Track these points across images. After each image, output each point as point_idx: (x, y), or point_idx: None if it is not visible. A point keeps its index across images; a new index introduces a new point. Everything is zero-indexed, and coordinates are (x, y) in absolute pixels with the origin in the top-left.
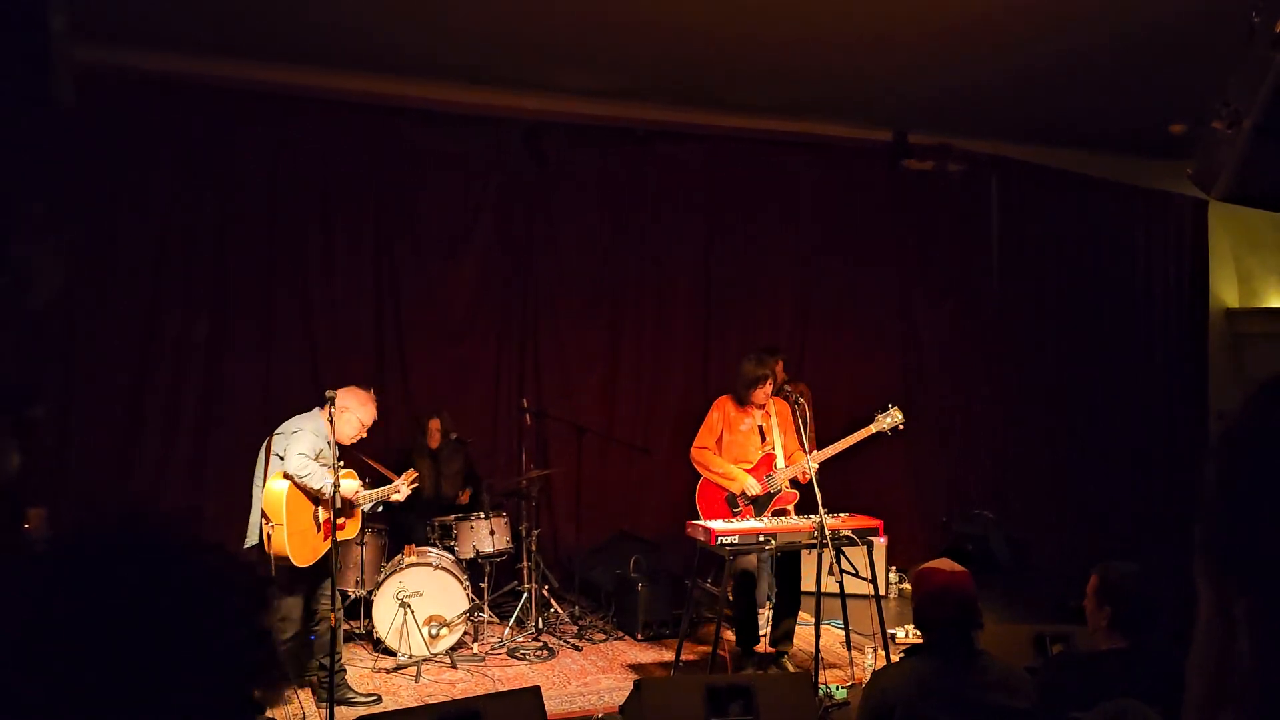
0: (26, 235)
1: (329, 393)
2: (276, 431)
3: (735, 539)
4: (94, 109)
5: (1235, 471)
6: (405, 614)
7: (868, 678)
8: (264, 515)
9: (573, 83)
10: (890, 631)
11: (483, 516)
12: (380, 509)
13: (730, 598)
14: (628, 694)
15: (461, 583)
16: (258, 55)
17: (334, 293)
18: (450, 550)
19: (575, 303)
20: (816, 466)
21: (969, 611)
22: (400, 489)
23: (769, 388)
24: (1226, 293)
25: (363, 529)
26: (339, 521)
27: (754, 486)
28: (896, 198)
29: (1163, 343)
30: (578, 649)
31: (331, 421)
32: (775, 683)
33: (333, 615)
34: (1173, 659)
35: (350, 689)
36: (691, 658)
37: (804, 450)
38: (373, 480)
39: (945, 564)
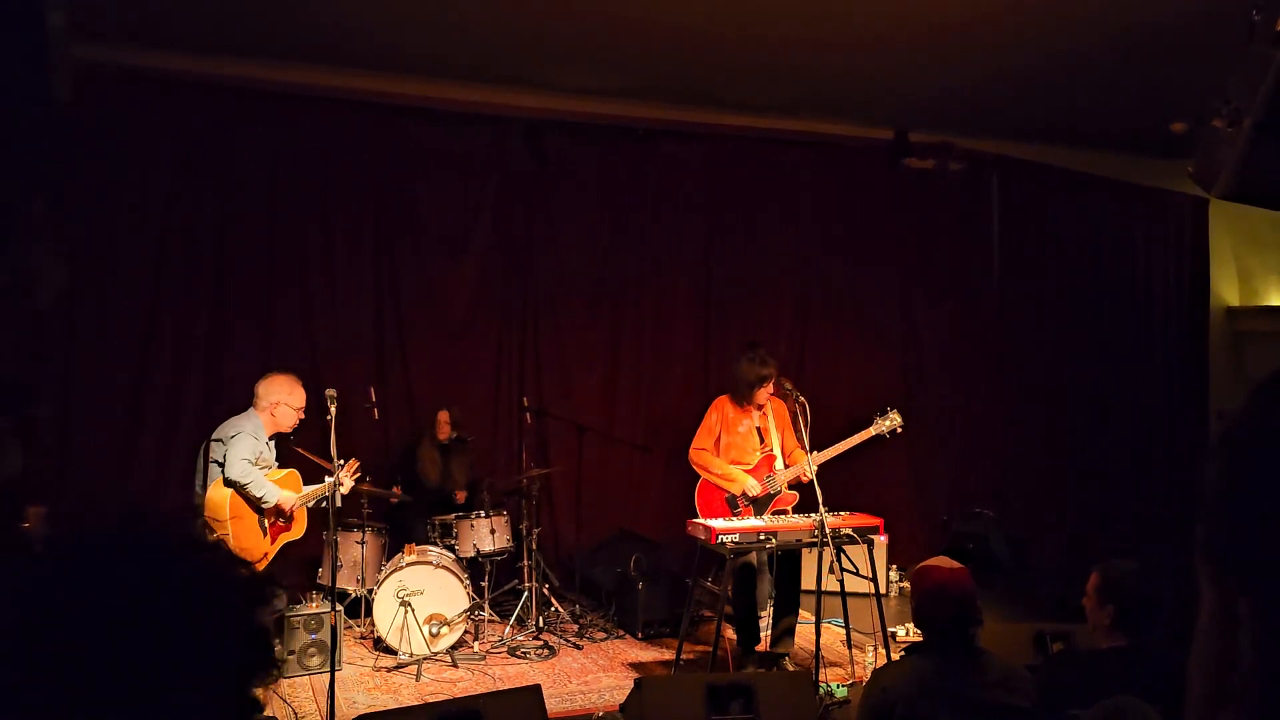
0: (26, 235)
1: (258, 387)
2: (213, 437)
3: (736, 537)
4: (94, 108)
5: (1235, 471)
6: (406, 613)
7: (868, 676)
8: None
9: (573, 81)
10: (891, 630)
11: (483, 515)
12: (365, 503)
13: (731, 596)
14: (628, 692)
15: (462, 581)
16: (258, 54)
17: (334, 292)
18: (451, 549)
19: (575, 302)
20: (816, 467)
21: (968, 608)
22: (343, 481)
23: (771, 387)
24: (1227, 291)
25: (363, 529)
26: (281, 524)
27: (754, 487)
28: (897, 197)
29: (1163, 342)
30: (578, 647)
31: (274, 416)
32: (776, 681)
33: (333, 615)
34: (1173, 658)
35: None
36: (692, 656)
37: (804, 449)
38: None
39: (943, 561)
